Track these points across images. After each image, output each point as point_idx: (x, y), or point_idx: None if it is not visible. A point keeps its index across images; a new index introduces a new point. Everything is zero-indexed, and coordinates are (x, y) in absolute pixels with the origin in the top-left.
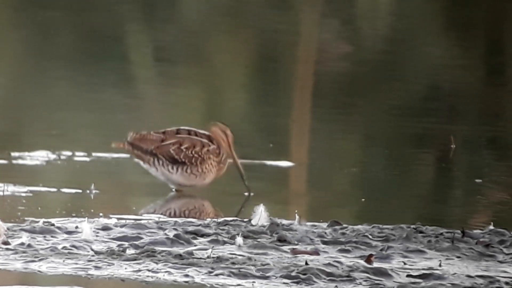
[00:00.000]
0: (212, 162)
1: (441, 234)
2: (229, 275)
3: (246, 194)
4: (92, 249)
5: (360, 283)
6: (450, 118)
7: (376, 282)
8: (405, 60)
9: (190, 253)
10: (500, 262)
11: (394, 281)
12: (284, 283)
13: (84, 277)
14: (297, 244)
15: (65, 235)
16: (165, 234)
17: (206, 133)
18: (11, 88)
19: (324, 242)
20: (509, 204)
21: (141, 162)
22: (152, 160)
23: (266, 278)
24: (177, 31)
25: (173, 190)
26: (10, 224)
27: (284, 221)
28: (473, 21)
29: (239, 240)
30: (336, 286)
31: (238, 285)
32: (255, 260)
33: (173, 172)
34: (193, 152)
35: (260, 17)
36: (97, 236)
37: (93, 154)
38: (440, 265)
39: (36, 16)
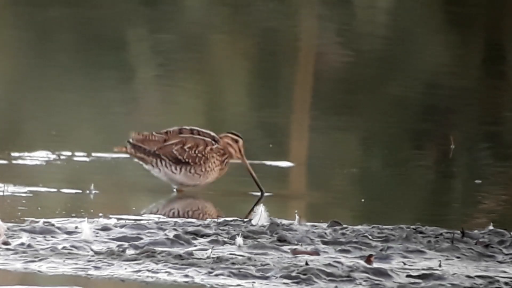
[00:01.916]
0: (215, 161)
1: (441, 234)
2: (229, 275)
3: (259, 194)
4: (92, 249)
5: (360, 283)
6: (450, 118)
7: (376, 282)
8: (404, 60)
9: (190, 254)
10: (500, 262)
11: (394, 282)
12: (284, 283)
13: (84, 277)
14: (297, 244)
15: (65, 235)
16: (165, 234)
17: (210, 132)
18: (11, 89)
19: (324, 242)
20: (508, 205)
21: (143, 164)
22: (155, 161)
23: (266, 278)
24: (177, 31)
25: (175, 190)
26: (10, 224)
27: (284, 221)
28: (473, 19)
29: (239, 240)
30: (336, 286)
31: (238, 285)
32: (255, 260)
33: (176, 172)
34: (196, 152)
35: (260, 18)
36: (97, 236)
37: (93, 154)
38: (439, 266)
39: (36, 16)
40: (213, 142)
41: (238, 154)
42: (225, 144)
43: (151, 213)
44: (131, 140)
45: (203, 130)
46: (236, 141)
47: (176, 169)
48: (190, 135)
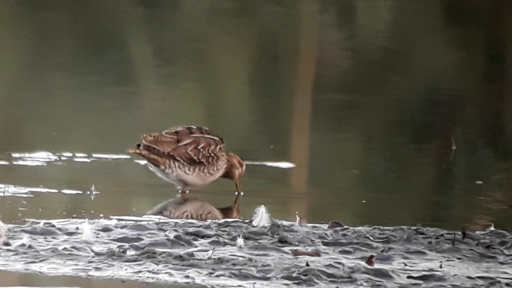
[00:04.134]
0: (224, 159)
1: (442, 235)
2: (230, 276)
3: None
4: (92, 250)
5: (361, 284)
6: (451, 119)
7: (377, 283)
8: (406, 61)
9: (191, 254)
10: (501, 263)
11: (394, 282)
12: (285, 284)
13: (85, 278)
14: (298, 245)
15: (66, 236)
16: (166, 235)
17: (212, 131)
18: (11, 89)
19: (325, 243)
20: (509, 206)
21: (151, 165)
22: (169, 162)
23: (267, 279)
24: (178, 31)
25: (179, 191)
26: (11, 225)
27: (285, 222)
28: (474, 19)
29: (240, 241)
30: (337, 287)
31: (239, 286)
32: (256, 261)
33: (189, 173)
34: (209, 151)
35: (261, 19)
36: (97, 237)
37: (94, 155)
38: (440, 266)
39: (37, 17)
40: (220, 141)
41: (238, 179)
42: (234, 162)
43: (151, 214)
44: (144, 142)
45: (207, 129)
46: (242, 166)
47: (189, 170)
48: (201, 135)
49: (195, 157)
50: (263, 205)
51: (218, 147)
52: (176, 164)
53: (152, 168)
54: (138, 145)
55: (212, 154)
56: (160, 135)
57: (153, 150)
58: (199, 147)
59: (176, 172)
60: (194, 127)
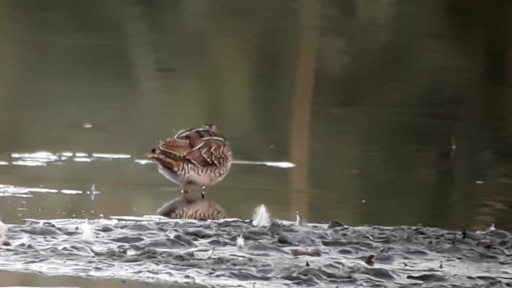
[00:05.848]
0: (231, 159)
1: (442, 235)
2: (230, 276)
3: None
4: (92, 250)
5: (361, 284)
6: (451, 119)
7: (377, 283)
8: (406, 61)
9: (191, 254)
10: (501, 263)
11: (395, 282)
12: (285, 284)
13: (85, 278)
14: (298, 245)
15: (66, 236)
16: (166, 235)
17: (216, 131)
18: (11, 89)
19: (325, 243)
20: (510, 206)
21: (162, 167)
22: (183, 165)
23: (267, 279)
24: (178, 32)
25: (182, 191)
26: (10, 225)
27: (285, 222)
28: (475, 19)
29: (240, 241)
30: (337, 287)
31: (239, 286)
32: (256, 261)
33: (201, 174)
34: (220, 153)
35: (260, 18)
36: (97, 237)
37: (94, 155)
38: (441, 266)
39: (37, 17)
40: (226, 141)
41: None
42: None
43: (152, 214)
44: (160, 148)
45: (213, 130)
46: None
47: (202, 171)
48: (210, 137)
49: (208, 159)
50: (263, 205)
51: (226, 147)
52: (190, 166)
53: (162, 170)
54: (153, 150)
55: (222, 155)
56: (174, 140)
57: (170, 154)
58: (211, 150)
59: (188, 174)
60: (201, 129)
